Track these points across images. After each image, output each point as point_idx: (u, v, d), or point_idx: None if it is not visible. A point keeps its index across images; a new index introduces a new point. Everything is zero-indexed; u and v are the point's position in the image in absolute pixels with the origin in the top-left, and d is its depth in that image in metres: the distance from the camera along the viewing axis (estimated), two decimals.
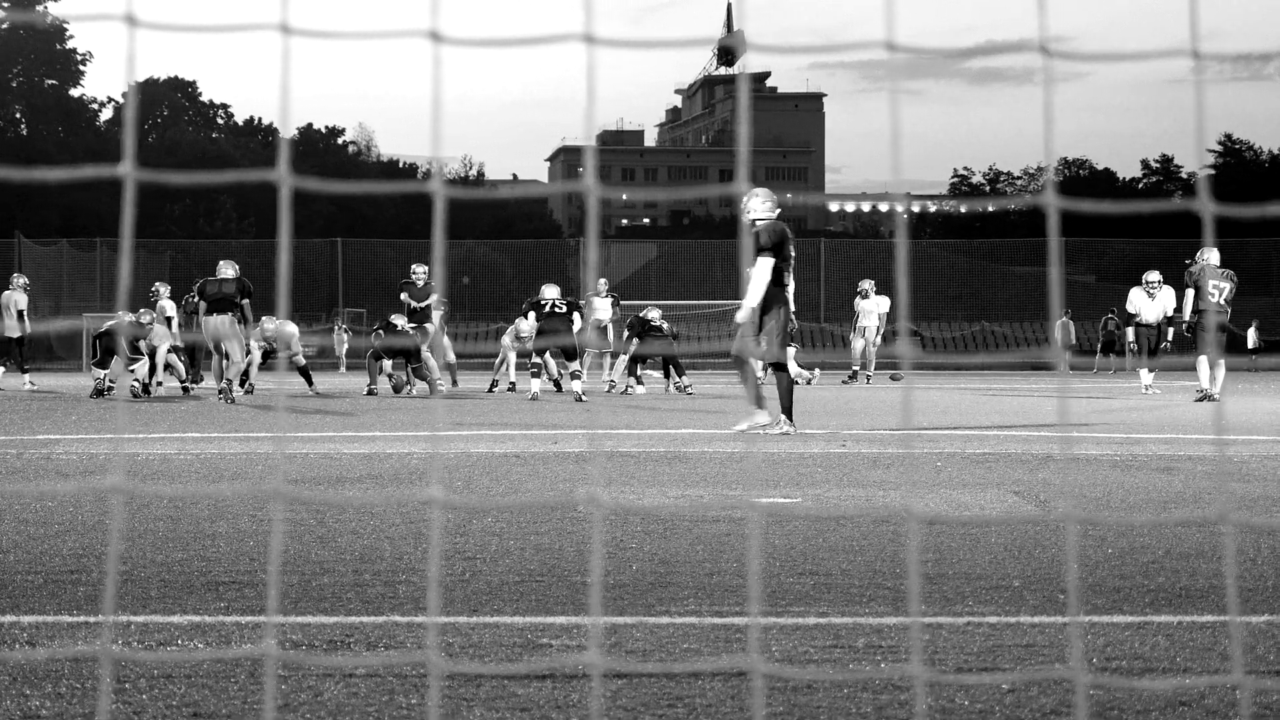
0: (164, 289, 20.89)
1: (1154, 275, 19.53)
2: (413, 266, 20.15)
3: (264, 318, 18.52)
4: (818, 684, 3.06)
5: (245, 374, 17.22)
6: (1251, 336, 38.76)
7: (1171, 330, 18.81)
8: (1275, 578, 4.43)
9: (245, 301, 16.82)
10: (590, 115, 1.06)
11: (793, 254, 10.52)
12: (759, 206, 10.46)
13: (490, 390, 19.57)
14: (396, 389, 18.45)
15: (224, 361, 16.72)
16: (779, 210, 10.57)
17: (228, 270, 17.05)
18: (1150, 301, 19.30)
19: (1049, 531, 5.33)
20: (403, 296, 19.94)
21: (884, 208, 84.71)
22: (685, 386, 19.53)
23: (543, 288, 18.22)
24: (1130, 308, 19.63)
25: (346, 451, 8.95)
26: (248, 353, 17.14)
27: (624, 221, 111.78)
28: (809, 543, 5.09)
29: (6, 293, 20.96)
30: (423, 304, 19.61)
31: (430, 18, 0.96)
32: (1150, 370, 19.40)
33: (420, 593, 4.14)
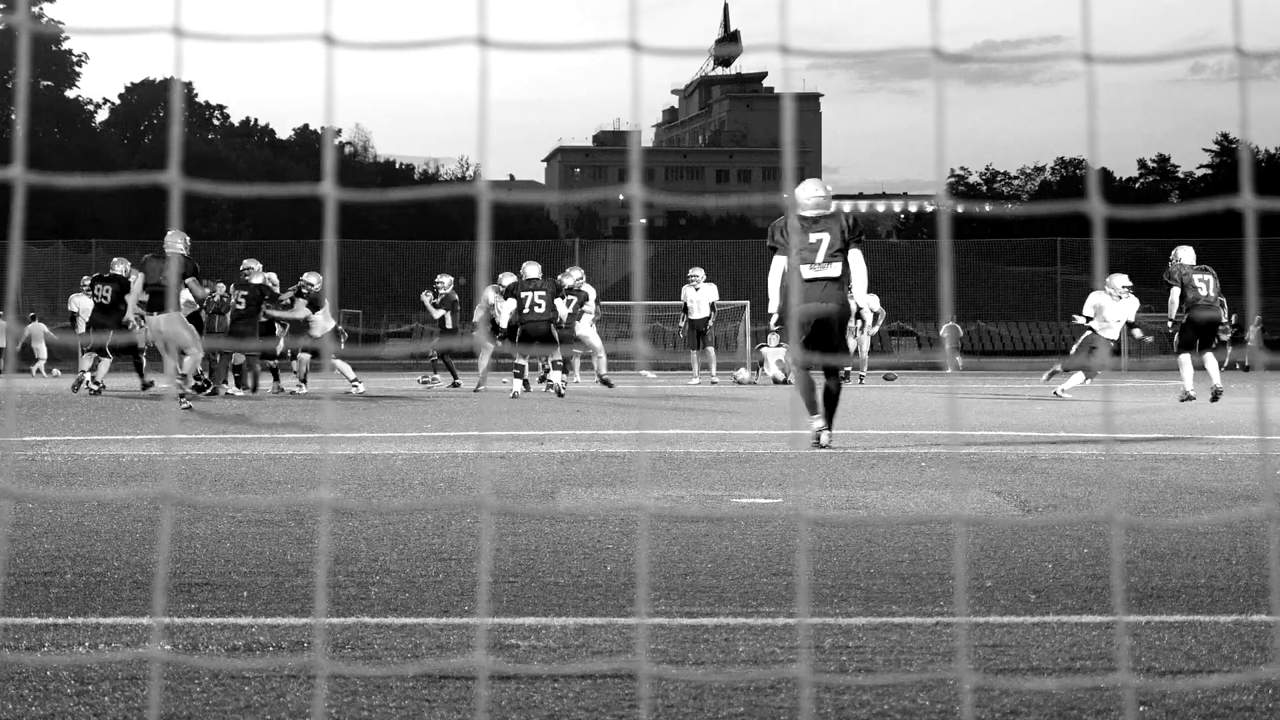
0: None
1: (1120, 279, 18.48)
2: (438, 277, 21.27)
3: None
4: (781, 684, 3.06)
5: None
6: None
7: (1136, 332, 18.47)
8: (1249, 577, 4.43)
9: (189, 281, 15.22)
10: (483, 116, 1.06)
11: (784, 240, 9.47)
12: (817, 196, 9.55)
13: (477, 390, 19.58)
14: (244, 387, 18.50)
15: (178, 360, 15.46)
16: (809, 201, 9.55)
17: (178, 243, 14.61)
18: (1116, 304, 18.33)
19: (1028, 532, 5.33)
20: (425, 299, 21.45)
21: (881, 208, 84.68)
22: (605, 378, 20.51)
23: (524, 265, 18.06)
24: (1089, 309, 18.57)
25: (333, 452, 8.95)
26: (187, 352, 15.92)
27: (623, 222, 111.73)
28: (786, 544, 5.09)
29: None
30: (439, 314, 20.66)
31: (324, 20, 0.96)
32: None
33: (393, 594, 4.14)
